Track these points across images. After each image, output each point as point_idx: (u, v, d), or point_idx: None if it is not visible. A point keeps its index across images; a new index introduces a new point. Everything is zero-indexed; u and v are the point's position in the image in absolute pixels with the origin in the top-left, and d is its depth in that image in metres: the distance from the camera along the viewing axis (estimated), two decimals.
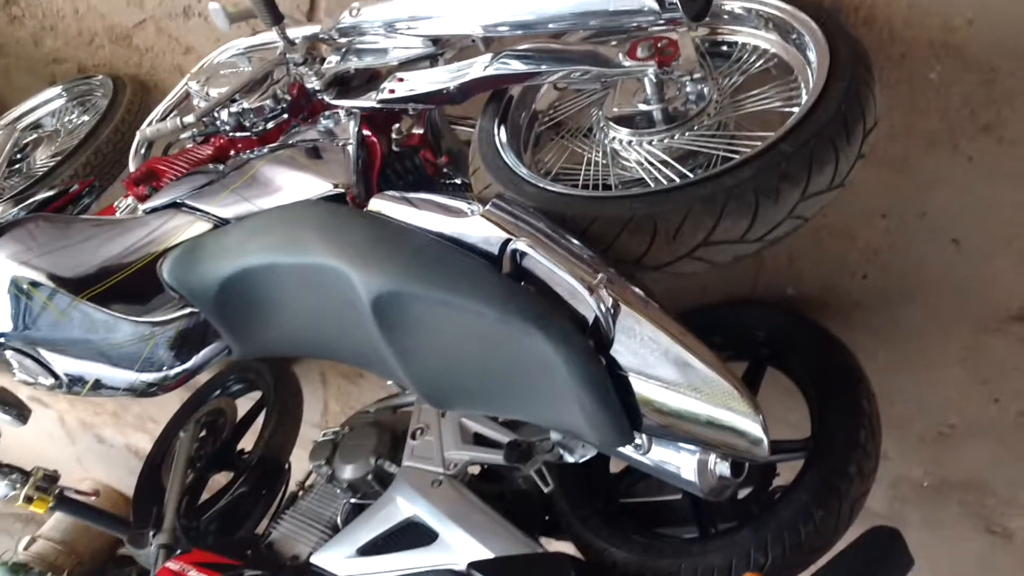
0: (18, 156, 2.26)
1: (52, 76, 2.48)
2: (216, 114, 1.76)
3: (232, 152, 1.83)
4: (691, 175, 1.37)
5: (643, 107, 1.47)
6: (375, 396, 2.40)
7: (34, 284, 1.51)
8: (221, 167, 1.65)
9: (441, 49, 1.67)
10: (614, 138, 1.48)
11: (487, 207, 1.23)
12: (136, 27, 2.26)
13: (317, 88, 1.73)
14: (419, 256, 1.23)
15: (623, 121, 1.49)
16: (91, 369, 1.56)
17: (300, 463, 2.44)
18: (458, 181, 1.73)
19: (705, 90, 1.45)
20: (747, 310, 1.95)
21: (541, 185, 1.39)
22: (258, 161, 1.60)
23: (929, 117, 1.65)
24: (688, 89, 1.45)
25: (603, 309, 1.10)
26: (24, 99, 2.47)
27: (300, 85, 1.75)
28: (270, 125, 1.76)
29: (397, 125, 1.68)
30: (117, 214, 1.77)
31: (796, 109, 1.41)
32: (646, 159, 1.44)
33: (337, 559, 1.82)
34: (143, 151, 1.91)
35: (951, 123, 1.65)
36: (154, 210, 1.62)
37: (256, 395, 2.64)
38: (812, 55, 1.39)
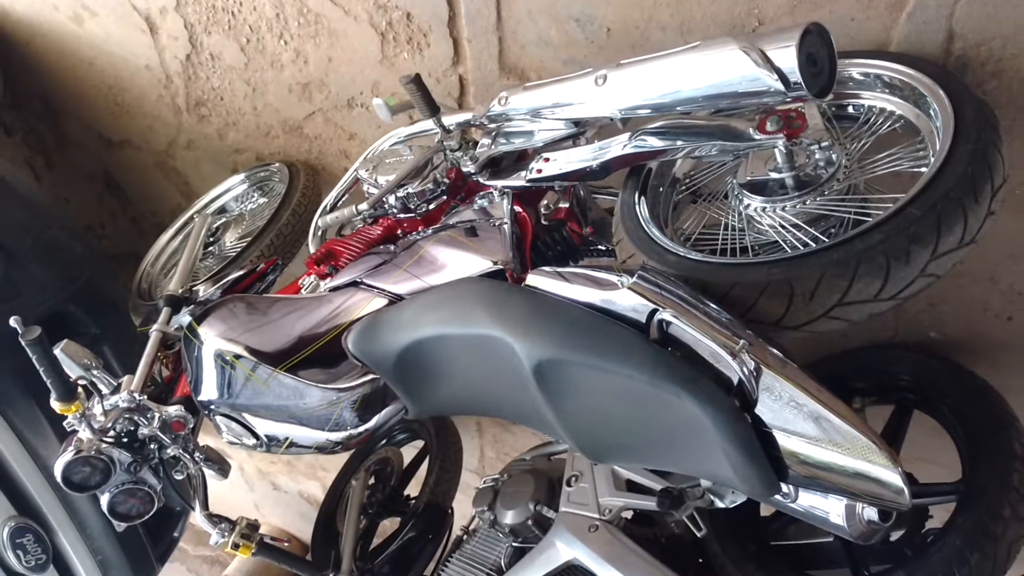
0: (211, 240, 2.56)
1: (234, 165, 2.80)
2: (384, 199, 1.99)
3: (399, 232, 2.04)
4: (824, 239, 1.47)
5: (775, 175, 1.57)
6: (528, 443, 2.56)
7: (238, 357, 1.74)
8: (392, 247, 1.86)
9: (582, 129, 1.83)
10: (748, 204, 1.59)
11: (634, 279, 1.36)
12: (306, 118, 2.53)
13: (472, 171, 1.92)
14: (574, 326, 1.37)
15: (756, 188, 1.60)
16: (287, 431, 1.78)
17: (461, 508, 2.62)
18: (603, 247, 1.87)
19: (834, 156, 1.54)
20: (891, 354, 1.99)
21: (681, 253, 1.51)
22: (424, 242, 1.79)
23: None
24: (817, 156, 1.55)
25: (746, 372, 1.21)
26: (211, 187, 2.80)
27: (457, 169, 1.95)
28: (432, 206, 1.96)
29: (545, 201, 1.84)
30: (302, 291, 2.00)
31: (924, 170, 1.49)
32: (780, 223, 1.54)
33: None
34: (320, 233, 2.16)
35: None
36: (336, 288, 1.84)
37: (419, 444, 2.84)
38: (937, 117, 1.47)
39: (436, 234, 1.80)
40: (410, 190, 1.94)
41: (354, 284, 1.82)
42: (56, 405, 1.74)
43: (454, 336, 1.55)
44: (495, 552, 2.22)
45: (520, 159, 1.98)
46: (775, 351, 1.25)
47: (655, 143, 1.65)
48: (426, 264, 1.74)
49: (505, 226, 1.71)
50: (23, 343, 1.65)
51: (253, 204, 2.65)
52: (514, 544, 2.17)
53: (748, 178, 1.61)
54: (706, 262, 1.47)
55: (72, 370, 1.85)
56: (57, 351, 1.81)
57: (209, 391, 1.79)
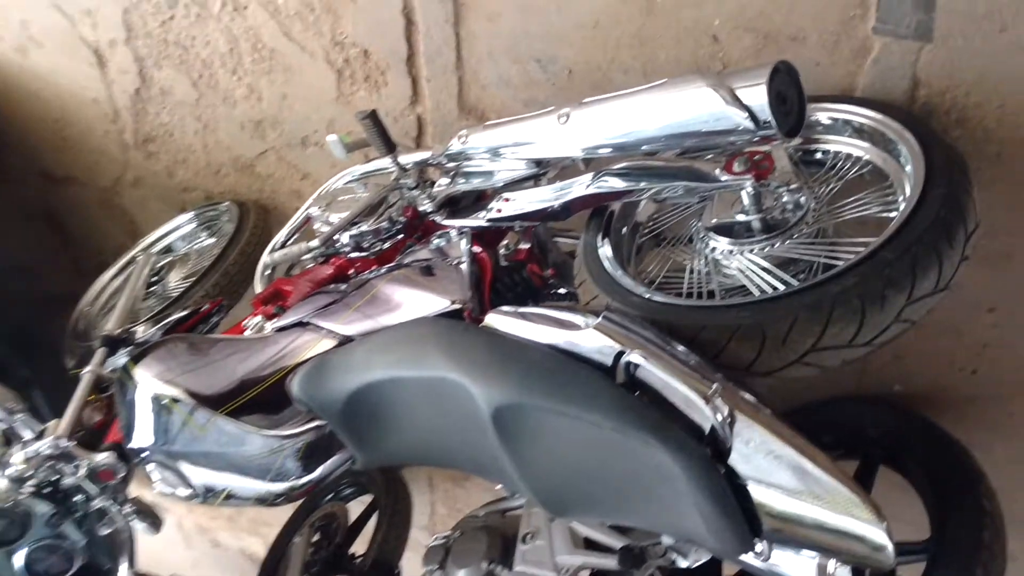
0: (154, 279, 2.45)
1: (183, 203, 2.70)
2: (337, 236, 1.90)
3: (351, 271, 1.95)
4: (794, 282, 1.42)
5: (741, 217, 1.52)
6: (481, 500, 2.44)
7: (175, 400, 1.63)
8: (343, 287, 1.77)
9: (543, 170, 1.77)
10: (714, 248, 1.54)
11: (599, 320, 1.29)
12: (259, 157, 2.45)
13: (429, 210, 1.85)
14: (536, 369, 1.30)
15: (723, 231, 1.55)
16: (225, 480, 1.66)
17: (409, 567, 2.48)
18: (565, 291, 1.80)
19: (802, 199, 1.50)
20: (856, 407, 1.94)
21: (647, 296, 1.45)
22: (378, 280, 1.71)
23: None
24: (785, 199, 1.51)
25: (719, 418, 1.14)
26: (158, 226, 2.70)
27: (414, 208, 1.88)
28: (386, 245, 1.88)
29: (505, 241, 1.78)
30: (246, 332, 1.90)
31: (894, 214, 1.46)
32: (747, 267, 1.49)
33: None
34: (268, 272, 2.07)
35: None
36: (282, 329, 1.74)
37: (367, 499, 2.71)
38: (907, 161, 1.44)
39: (390, 273, 1.72)
40: (364, 228, 1.86)
41: (301, 324, 1.72)
42: None
43: (407, 379, 1.46)
44: None
45: (479, 199, 1.91)
46: (748, 396, 1.18)
47: (618, 184, 1.60)
48: (379, 304, 1.65)
49: (463, 265, 1.64)
50: None
51: (200, 244, 2.55)
52: None
53: (714, 221, 1.56)
54: (673, 304, 1.41)
55: None
56: None
57: (143, 437, 1.67)
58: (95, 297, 2.53)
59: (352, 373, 1.53)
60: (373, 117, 1.83)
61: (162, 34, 2.32)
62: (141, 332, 2.12)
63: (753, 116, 1.35)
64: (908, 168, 1.44)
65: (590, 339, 1.29)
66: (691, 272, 1.55)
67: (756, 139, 1.40)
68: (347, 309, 1.67)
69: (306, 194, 2.46)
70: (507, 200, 1.78)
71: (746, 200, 1.51)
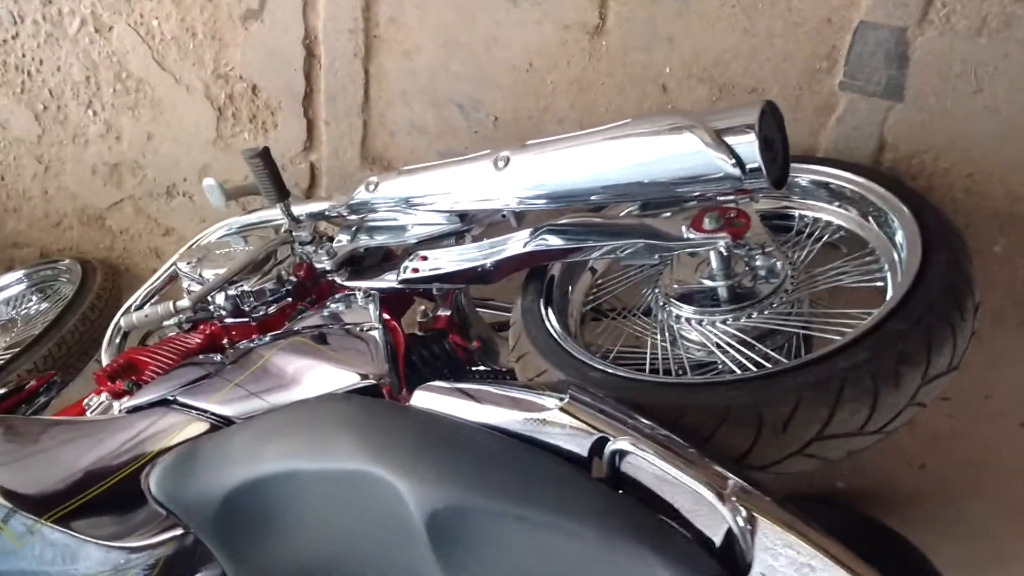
0: None
1: (10, 261, 2.27)
2: (211, 297, 1.57)
3: (226, 340, 1.62)
4: (780, 358, 1.21)
5: (709, 283, 1.32)
6: None
7: None
8: (218, 357, 1.43)
9: (467, 226, 1.52)
10: (678, 317, 1.32)
11: (566, 399, 1.03)
12: (112, 207, 2.08)
13: (328, 268, 1.55)
14: (489, 461, 1.01)
15: (685, 298, 1.34)
16: None
17: None
18: (493, 368, 1.54)
19: (777, 264, 1.31)
20: (807, 508, 1.74)
21: (609, 370, 1.20)
22: (266, 350, 1.38)
23: (994, 292, 1.54)
24: (758, 263, 1.31)
25: (740, 523, 0.89)
26: None
27: (308, 265, 1.58)
28: (272, 309, 1.56)
29: (422, 307, 1.50)
30: (88, 414, 1.51)
31: (880, 283, 1.29)
32: (716, 340, 1.27)
33: None
34: (118, 340, 1.69)
35: (1018, 298, 1.54)
36: (137, 408, 1.38)
37: None
38: (894, 226, 1.28)
39: (283, 341, 1.39)
40: (245, 288, 1.54)
41: (163, 403, 1.37)
42: None
43: (309, 473, 1.13)
44: None
45: (387, 258, 1.64)
46: (764, 496, 0.94)
47: (562, 242, 1.37)
48: (268, 378, 1.32)
49: (375, 332, 1.34)
50: None
51: (31, 308, 2.12)
52: None
53: (676, 287, 1.35)
54: (643, 381, 1.16)
55: None
56: None
57: None
58: None
59: (232, 466, 1.19)
60: (265, 156, 1.54)
61: (0, 55, 1.95)
62: None
63: (740, 163, 1.15)
64: (898, 234, 1.27)
65: (557, 422, 1.02)
66: (650, 347, 1.32)
67: (737, 189, 1.21)
68: (225, 384, 1.33)
69: (168, 253, 2.10)
70: (424, 258, 1.51)
71: (715, 263, 1.31)
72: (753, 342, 1.27)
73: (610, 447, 0.96)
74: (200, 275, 1.59)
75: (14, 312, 2.11)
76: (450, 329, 1.48)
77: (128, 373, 1.56)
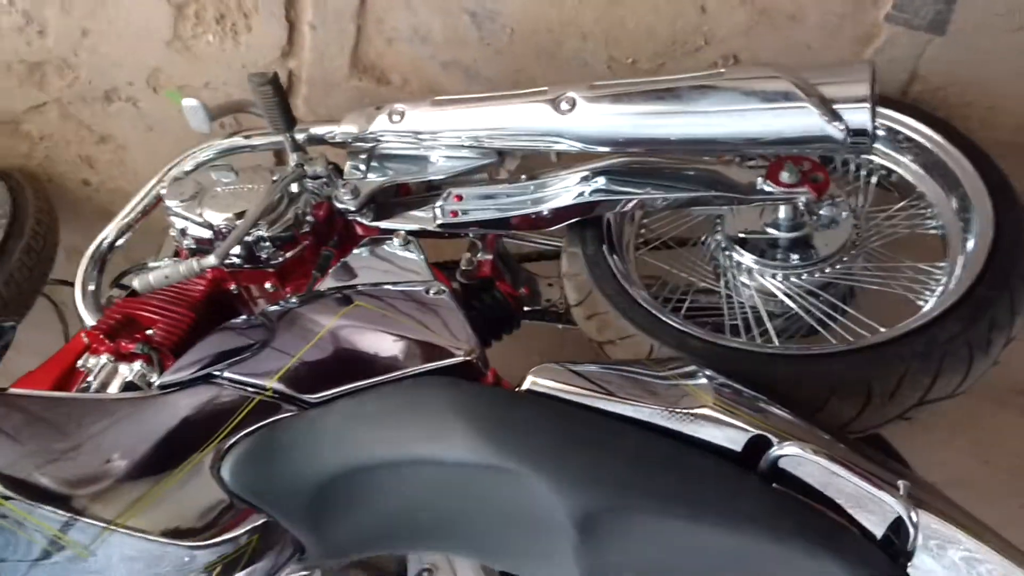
0: None
1: None
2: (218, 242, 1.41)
3: (232, 287, 1.47)
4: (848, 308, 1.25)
5: (776, 233, 1.31)
6: None
7: (31, 512, 1.10)
8: (260, 319, 1.29)
9: (499, 159, 1.43)
10: (747, 269, 1.32)
11: (713, 393, 1.02)
12: (30, 111, 1.78)
13: (352, 208, 1.42)
14: (643, 459, 1.00)
15: (747, 246, 1.34)
16: None
17: None
18: (548, 310, 1.49)
19: (843, 214, 1.32)
20: None
21: (705, 336, 1.19)
22: (317, 315, 1.26)
23: None
24: (823, 213, 1.32)
25: (913, 518, 0.93)
26: None
27: (328, 205, 1.43)
28: (289, 254, 1.43)
29: (467, 255, 1.41)
30: (92, 380, 1.35)
31: (935, 231, 1.34)
32: (789, 292, 1.29)
33: None
34: (92, 288, 1.49)
35: None
36: (176, 386, 1.24)
37: None
38: (960, 174, 1.31)
39: (338, 304, 1.27)
40: (263, 233, 1.39)
41: (207, 379, 1.24)
42: None
43: (418, 463, 1.09)
44: None
45: (399, 193, 1.51)
46: (927, 487, 0.99)
47: (627, 189, 1.31)
48: (336, 352, 1.21)
49: (445, 295, 1.25)
50: None
51: None
52: None
53: (741, 233, 1.34)
54: (755, 352, 1.16)
55: None
56: None
57: None
58: None
59: (326, 454, 1.11)
60: (275, 83, 1.36)
61: None
62: None
63: (848, 129, 1.13)
64: (961, 181, 1.30)
65: (709, 417, 1.01)
66: (727, 299, 1.32)
67: (839, 151, 1.19)
68: (283, 358, 1.22)
69: (101, 162, 1.86)
70: (459, 198, 1.41)
71: (784, 213, 1.30)
72: (820, 292, 1.30)
73: (777, 452, 0.97)
74: (200, 216, 1.41)
75: None
76: (496, 276, 1.41)
77: (129, 330, 1.39)
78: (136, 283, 1.31)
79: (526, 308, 1.47)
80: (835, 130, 1.12)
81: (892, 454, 1.33)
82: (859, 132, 1.13)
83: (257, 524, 1.13)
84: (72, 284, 1.73)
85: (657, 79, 1.23)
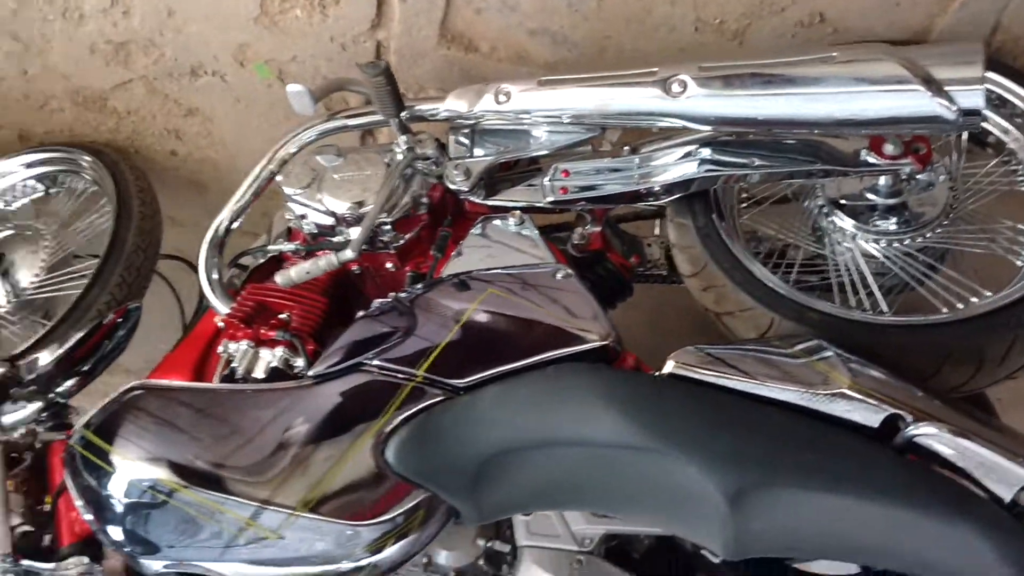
0: None
1: None
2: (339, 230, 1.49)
3: (355, 268, 1.54)
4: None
5: (877, 199, 1.38)
6: None
7: (223, 503, 1.22)
8: (392, 304, 1.37)
9: (602, 131, 1.48)
10: (851, 235, 1.39)
11: (849, 374, 1.12)
12: (117, 88, 1.80)
13: (464, 188, 1.47)
14: (787, 437, 1.10)
15: (848, 211, 1.41)
16: (283, 572, 1.30)
17: None
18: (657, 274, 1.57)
19: (939, 178, 1.39)
20: None
21: (826, 310, 1.28)
22: (456, 301, 1.34)
23: None
24: (921, 178, 1.38)
25: None
26: None
27: (442, 186, 1.49)
28: (407, 236, 1.49)
29: (579, 229, 1.48)
30: (236, 366, 1.43)
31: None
32: (891, 256, 1.37)
33: None
34: (216, 277, 1.55)
35: None
36: (329, 374, 1.33)
37: None
38: None
39: (470, 291, 1.35)
40: (384, 218, 1.45)
41: (358, 367, 1.33)
42: None
43: (573, 443, 1.20)
44: None
45: (503, 168, 1.56)
46: None
47: (736, 162, 1.37)
48: (479, 339, 1.30)
49: (572, 278, 1.33)
50: None
51: (52, 211, 1.85)
52: None
53: (843, 202, 1.41)
54: (872, 323, 1.26)
55: None
56: None
57: (163, 552, 1.25)
58: None
59: (484, 436, 1.23)
60: (387, 73, 1.39)
61: None
62: (25, 366, 1.57)
63: (961, 111, 1.18)
64: None
65: (847, 396, 1.11)
66: (833, 264, 1.40)
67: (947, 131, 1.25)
68: (429, 346, 1.31)
69: (189, 133, 1.89)
70: (566, 173, 1.46)
71: (885, 181, 1.37)
72: (918, 254, 1.38)
73: (913, 431, 1.08)
74: (321, 203, 1.47)
75: (29, 217, 1.85)
76: (606, 247, 1.48)
77: (264, 316, 1.47)
78: (278, 279, 1.39)
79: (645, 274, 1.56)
80: (947, 111, 1.17)
81: (992, 411, 1.43)
82: (971, 112, 1.18)
83: (420, 500, 1.26)
84: (176, 258, 1.81)
85: (767, 61, 1.27)
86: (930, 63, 1.19)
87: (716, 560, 1.52)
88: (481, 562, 1.76)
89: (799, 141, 1.37)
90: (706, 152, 1.38)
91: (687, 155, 1.39)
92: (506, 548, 1.72)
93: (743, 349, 1.20)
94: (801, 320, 1.28)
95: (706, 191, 1.43)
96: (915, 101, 1.18)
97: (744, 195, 1.53)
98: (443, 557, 1.75)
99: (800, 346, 1.21)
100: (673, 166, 1.40)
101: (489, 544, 1.75)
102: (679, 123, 1.34)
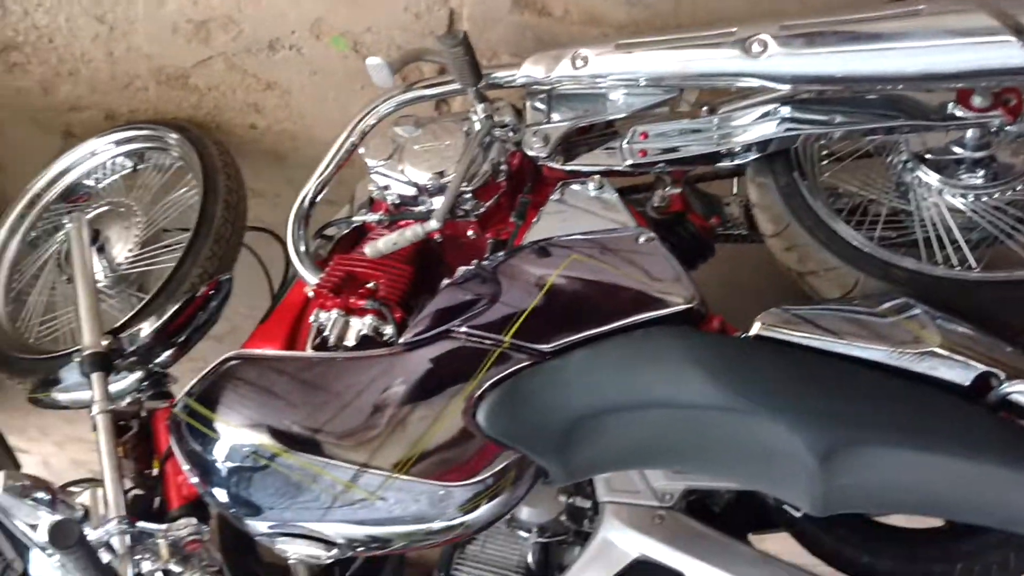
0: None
1: (66, 127, 2.02)
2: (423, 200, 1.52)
3: (436, 237, 1.57)
4: None
5: (964, 152, 1.36)
6: None
7: (325, 466, 1.27)
8: (475, 272, 1.40)
9: (680, 92, 1.48)
10: (937, 190, 1.37)
11: (939, 333, 1.12)
12: (198, 65, 1.85)
13: (543, 154, 1.49)
14: (878, 395, 1.11)
15: (933, 165, 1.39)
16: (382, 531, 1.36)
17: None
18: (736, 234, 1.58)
19: None
20: None
21: (911, 267, 1.27)
22: (539, 268, 1.37)
23: None
24: (1011, 129, 1.35)
25: None
26: (27, 156, 2.02)
27: (520, 153, 1.51)
28: (487, 204, 1.52)
29: (660, 192, 1.49)
30: (328, 334, 1.48)
31: None
32: (979, 211, 1.35)
33: None
34: (303, 249, 1.60)
35: None
36: (418, 342, 1.38)
37: None
38: None
39: (552, 257, 1.38)
40: (464, 187, 1.48)
41: (446, 334, 1.37)
42: None
43: (664, 404, 1.23)
44: (516, 552, 1.96)
45: (581, 133, 1.57)
46: None
47: (819, 119, 1.36)
48: (565, 304, 1.33)
49: (655, 242, 1.34)
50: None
51: (140, 186, 1.92)
52: (539, 540, 1.92)
53: (928, 156, 1.39)
54: (960, 280, 1.25)
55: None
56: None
57: (266, 513, 1.31)
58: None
59: (573, 399, 1.26)
60: (466, 43, 1.41)
61: None
62: (128, 337, 1.65)
63: None
64: None
65: (938, 355, 1.11)
66: (919, 220, 1.38)
67: None
68: (513, 311, 1.34)
69: (268, 107, 1.94)
70: (644, 136, 1.47)
71: (971, 135, 1.35)
72: (1007, 208, 1.36)
73: (1007, 388, 1.08)
74: (403, 174, 1.51)
75: (119, 194, 1.92)
76: (687, 209, 1.49)
77: (351, 286, 1.52)
78: (367, 250, 1.43)
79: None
80: None
81: None
82: None
83: (511, 461, 1.30)
84: (262, 229, 1.87)
85: (851, 17, 1.25)
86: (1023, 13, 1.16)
87: (798, 514, 1.55)
88: (563, 518, 1.80)
89: (882, 96, 1.35)
90: (786, 110, 1.38)
91: (767, 114, 1.39)
92: (587, 504, 1.76)
93: (829, 309, 1.21)
94: (887, 278, 1.27)
95: (786, 149, 1.42)
96: (1007, 52, 1.16)
97: (825, 152, 1.51)
98: (525, 513, 1.80)
99: (887, 304, 1.21)
100: (753, 126, 1.40)
101: (570, 500, 1.79)
102: (759, 83, 1.34)
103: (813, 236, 1.34)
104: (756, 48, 1.30)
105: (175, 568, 1.39)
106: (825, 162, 1.50)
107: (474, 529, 1.33)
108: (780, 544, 1.59)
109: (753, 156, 1.41)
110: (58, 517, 1.26)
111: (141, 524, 1.40)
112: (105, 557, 1.37)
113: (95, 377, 1.51)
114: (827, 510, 1.17)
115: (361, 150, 1.56)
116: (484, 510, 1.30)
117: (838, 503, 1.17)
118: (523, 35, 1.69)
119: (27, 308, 1.90)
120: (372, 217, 1.58)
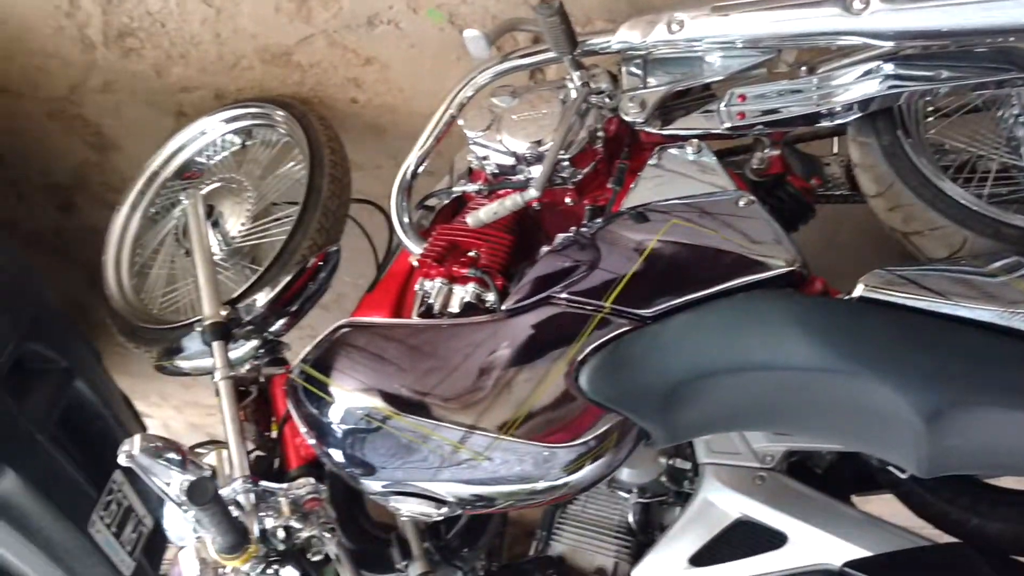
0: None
1: (179, 107, 2.12)
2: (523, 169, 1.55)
3: (535, 205, 1.60)
4: None
5: None
6: None
7: (436, 428, 1.33)
8: (574, 238, 1.43)
9: (778, 53, 1.46)
10: None
11: None
12: (300, 43, 1.92)
13: (640, 120, 1.50)
14: (985, 355, 1.10)
15: None
16: (488, 490, 1.41)
17: None
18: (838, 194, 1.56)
19: None
20: None
21: (1018, 223, 1.24)
22: (638, 234, 1.39)
23: None
24: None
25: None
26: (143, 136, 2.13)
27: (618, 119, 1.52)
28: (585, 171, 1.54)
29: (759, 154, 1.48)
30: (433, 301, 1.54)
31: None
32: None
33: (670, 572, 1.76)
34: (407, 220, 1.65)
35: None
36: (519, 309, 1.42)
37: None
38: None
39: (651, 222, 1.39)
40: (562, 154, 1.50)
41: (547, 301, 1.40)
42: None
43: (767, 367, 1.23)
44: (617, 512, 1.99)
45: (677, 97, 1.57)
46: None
47: (923, 75, 1.33)
48: (665, 269, 1.35)
49: (755, 205, 1.34)
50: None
51: (250, 162, 2.02)
52: (640, 500, 1.94)
53: None
54: None
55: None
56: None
57: (379, 472, 1.38)
58: (117, 250, 2.01)
59: (674, 363, 1.28)
60: (562, 12, 1.42)
61: None
62: (245, 308, 1.74)
63: None
64: None
65: None
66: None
67: None
68: (612, 276, 1.36)
69: (368, 81, 1.99)
70: (742, 98, 1.46)
71: None
72: None
73: None
74: (501, 143, 1.54)
75: (228, 169, 2.02)
76: (786, 171, 1.48)
77: (454, 255, 1.57)
78: (469, 220, 1.47)
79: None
80: None
81: None
82: None
83: (613, 423, 1.33)
84: (366, 201, 1.93)
85: None
86: None
87: (903, 476, 1.54)
88: (663, 479, 1.82)
89: (992, 48, 1.31)
90: (889, 68, 1.35)
91: (868, 72, 1.36)
92: (687, 465, 1.78)
93: (935, 269, 1.19)
94: (997, 236, 1.25)
95: (889, 107, 1.39)
96: None
97: (930, 108, 1.48)
98: (626, 474, 1.83)
99: (997, 264, 1.18)
100: (854, 85, 1.38)
101: (671, 461, 1.81)
102: (861, 41, 1.31)
103: (918, 195, 1.32)
104: (857, 5, 1.28)
105: (295, 524, 1.47)
106: (930, 118, 1.47)
107: (577, 490, 1.36)
108: (885, 506, 1.58)
109: (854, 115, 1.39)
110: (192, 476, 1.36)
111: (264, 483, 1.49)
112: (232, 513, 1.47)
113: (216, 345, 1.60)
114: (933, 471, 1.17)
115: (460, 121, 1.59)
116: (587, 471, 1.33)
117: (945, 465, 1.16)
118: (617, 1, 1.69)
119: (150, 281, 2.02)
120: (472, 187, 1.62)
